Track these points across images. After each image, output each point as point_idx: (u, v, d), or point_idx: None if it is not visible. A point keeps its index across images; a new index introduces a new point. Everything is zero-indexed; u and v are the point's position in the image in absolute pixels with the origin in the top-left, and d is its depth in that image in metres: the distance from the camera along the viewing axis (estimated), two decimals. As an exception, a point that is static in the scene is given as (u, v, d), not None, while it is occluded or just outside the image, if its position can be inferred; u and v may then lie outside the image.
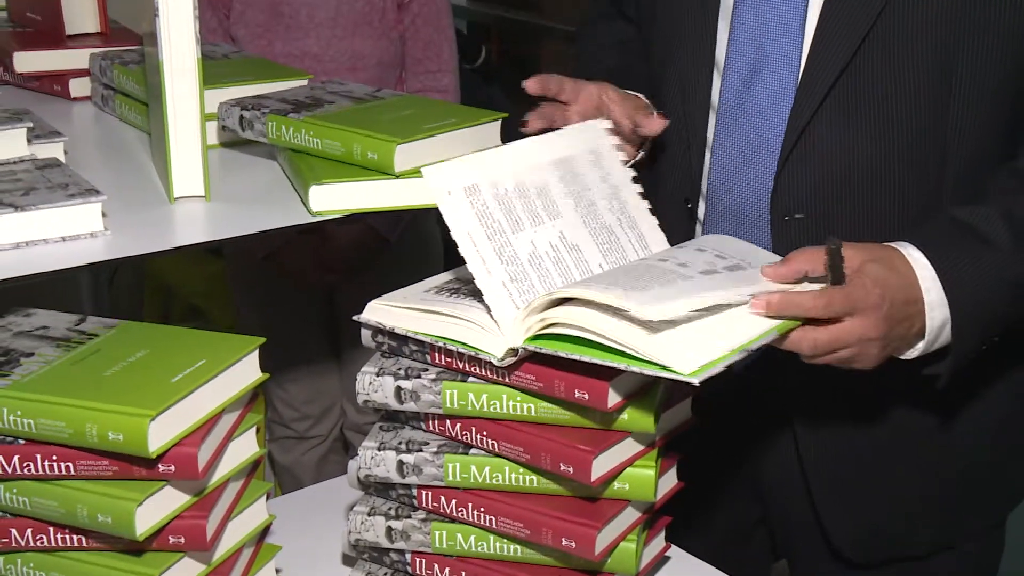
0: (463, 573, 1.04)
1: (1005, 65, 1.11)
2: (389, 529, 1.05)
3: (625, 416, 0.96)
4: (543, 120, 1.16)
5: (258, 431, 1.03)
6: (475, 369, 0.98)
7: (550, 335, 0.92)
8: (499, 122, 1.17)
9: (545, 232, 0.99)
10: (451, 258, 2.26)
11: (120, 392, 0.89)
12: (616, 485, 0.99)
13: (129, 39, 1.45)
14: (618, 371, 0.92)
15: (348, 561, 1.13)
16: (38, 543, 0.94)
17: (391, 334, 1.01)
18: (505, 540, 1.02)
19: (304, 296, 2.28)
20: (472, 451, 1.01)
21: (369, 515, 1.05)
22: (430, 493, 1.03)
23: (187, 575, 0.95)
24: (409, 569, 1.06)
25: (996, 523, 1.32)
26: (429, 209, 1.11)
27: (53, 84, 1.43)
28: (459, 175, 0.97)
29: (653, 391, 0.98)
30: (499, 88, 3.09)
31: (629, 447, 0.98)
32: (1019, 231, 1.07)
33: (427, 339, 0.98)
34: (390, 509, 1.06)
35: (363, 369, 1.03)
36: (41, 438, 0.90)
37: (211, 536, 0.94)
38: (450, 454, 1.01)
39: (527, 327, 0.93)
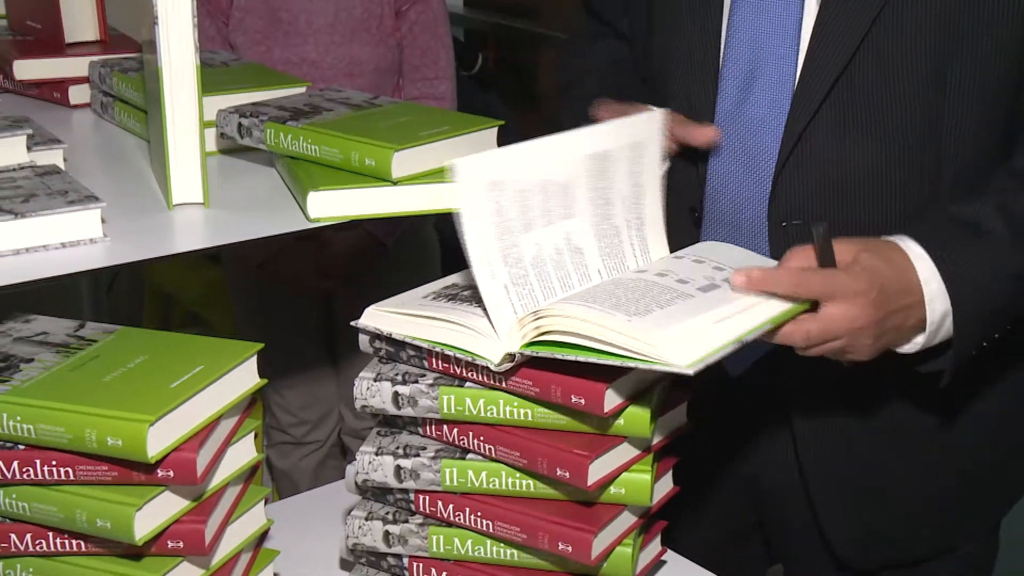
0: (460, 577, 1.05)
1: (1000, 69, 1.11)
2: (387, 533, 1.05)
3: (621, 421, 0.96)
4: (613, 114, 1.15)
5: (256, 436, 1.03)
6: (472, 374, 0.98)
7: (546, 341, 0.93)
8: (496, 129, 1.18)
9: (554, 233, 0.98)
10: (448, 263, 2.27)
11: (119, 398, 0.89)
12: (612, 490, 0.99)
13: (128, 47, 1.45)
14: (615, 376, 0.93)
15: (346, 565, 1.13)
16: (37, 548, 0.95)
17: (389, 339, 1.02)
18: (502, 544, 1.02)
19: (302, 302, 2.28)
20: (469, 456, 1.02)
21: (367, 519, 1.06)
22: (427, 498, 1.03)
23: (186, 580, 0.96)
24: (406, 573, 1.07)
25: (995, 524, 1.33)
26: (427, 215, 1.12)
27: (53, 91, 1.43)
28: (490, 168, 0.94)
29: (649, 396, 0.98)
30: (496, 95, 3.10)
31: (625, 452, 0.99)
32: (1015, 224, 1.07)
33: (424, 344, 0.99)
34: (387, 513, 1.06)
35: (361, 374, 1.03)
36: (40, 443, 0.90)
37: (210, 540, 0.94)
38: (447, 459, 1.02)
39: (524, 333, 0.93)
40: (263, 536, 1.06)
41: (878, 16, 1.10)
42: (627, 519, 1.02)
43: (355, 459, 1.05)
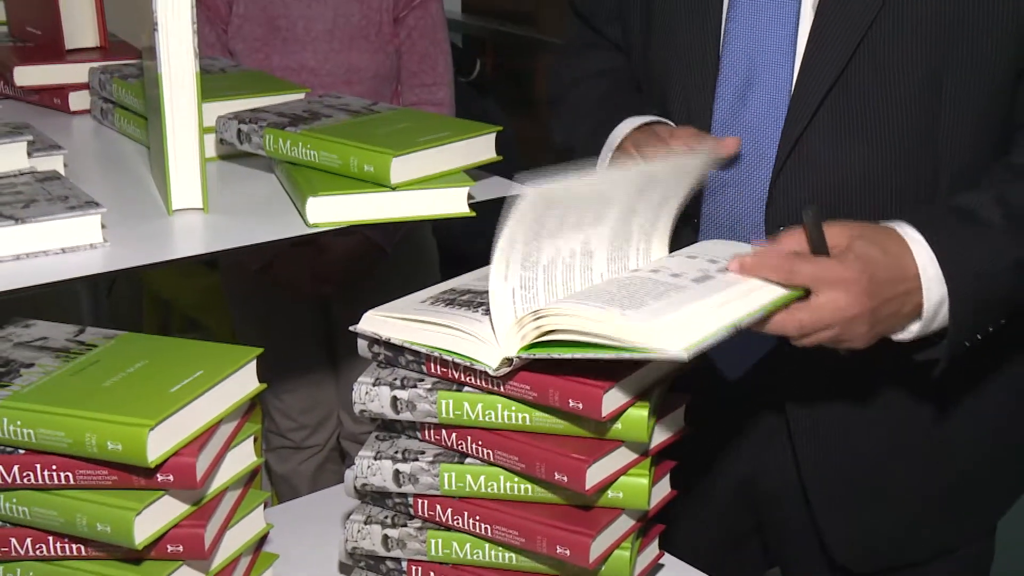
0: (459, 581, 1.05)
1: (998, 69, 1.11)
2: (385, 537, 1.06)
3: (619, 425, 0.97)
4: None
5: (256, 440, 1.04)
6: (470, 379, 0.99)
7: (543, 343, 0.93)
8: (494, 135, 1.18)
9: (575, 238, 0.98)
10: (447, 268, 2.27)
11: (119, 402, 0.89)
12: (610, 494, 1.00)
13: (128, 53, 1.46)
14: (612, 380, 0.93)
15: (345, 569, 1.14)
16: (38, 552, 0.95)
17: (387, 344, 1.02)
18: (500, 548, 1.03)
19: (301, 307, 2.29)
20: (467, 460, 1.02)
21: (365, 523, 1.06)
22: (426, 502, 1.04)
23: (185, 583, 0.96)
24: (405, 577, 1.07)
25: (993, 526, 1.33)
26: (425, 220, 1.12)
27: (53, 98, 1.44)
28: (555, 197, 0.93)
29: (647, 400, 0.98)
30: (494, 101, 3.11)
31: (623, 456, 0.99)
32: (1012, 213, 1.07)
33: (423, 349, 0.99)
34: (386, 518, 1.06)
35: (359, 379, 1.03)
36: (41, 448, 0.90)
37: (209, 545, 0.95)
38: (446, 463, 1.02)
39: (524, 333, 0.94)
40: (262, 540, 1.07)
41: (875, 19, 1.10)
42: (625, 522, 1.02)
43: (354, 463, 1.05)
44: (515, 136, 2.71)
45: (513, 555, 1.02)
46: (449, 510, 1.03)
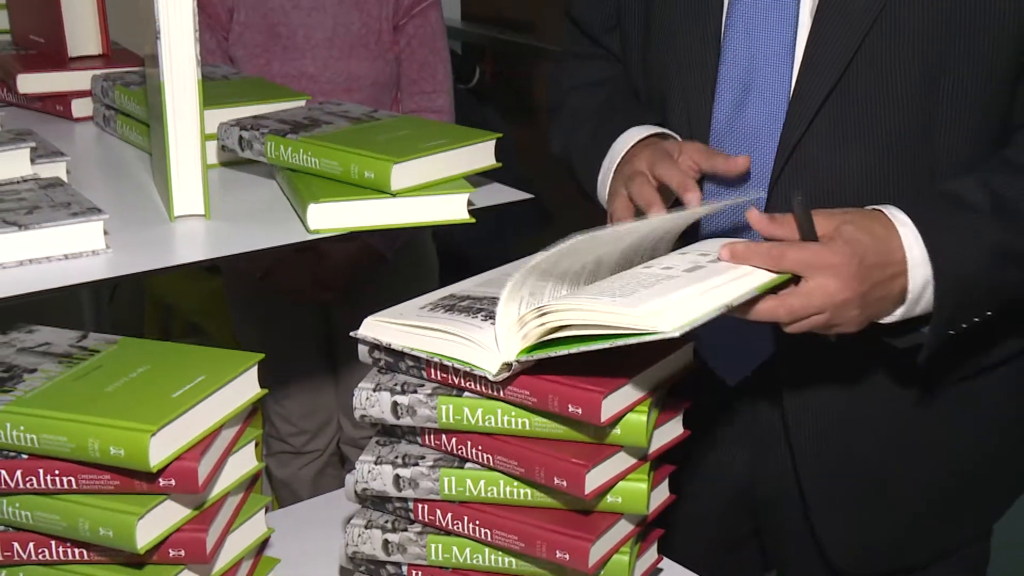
0: (459, 585, 1.05)
1: (997, 69, 1.11)
2: (386, 542, 1.06)
3: (618, 430, 0.97)
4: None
5: (257, 445, 1.04)
6: (470, 384, 0.99)
7: (541, 344, 0.94)
8: (493, 142, 1.19)
9: (588, 260, 1.00)
10: (447, 274, 2.28)
11: (121, 407, 0.90)
12: (609, 498, 1.00)
13: (130, 61, 1.47)
14: (611, 386, 0.94)
15: (345, 573, 1.14)
16: (40, 557, 0.95)
17: (388, 350, 1.03)
18: (500, 553, 1.03)
19: (301, 312, 2.29)
20: (467, 465, 1.02)
21: (366, 528, 1.07)
22: (426, 506, 1.04)
23: (187, 587, 0.97)
24: (405, 582, 1.08)
25: (990, 528, 1.33)
26: (425, 227, 1.13)
27: (56, 105, 1.44)
28: (585, 245, 0.95)
29: (645, 405, 0.99)
30: (493, 108, 3.12)
31: (622, 461, 1.00)
32: (996, 197, 1.08)
33: (423, 355, 0.99)
34: (386, 522, 1.07)
35: (360, 384, 1.04)
36: (43, 453, 0.91)
37: (211, 549, 0.95)
38: (446, 468, 1.02)
39: (525, 333, 0.94)
40: (263, 544, 1.07)
41: (874, 23, 1.10)
42: (624, 527, 1.02)
43: (354, 468, 1.06)
44: (514, 143, 2.72)
45: (513, 559, 1.03)
46: (449, 514, 1.03)
